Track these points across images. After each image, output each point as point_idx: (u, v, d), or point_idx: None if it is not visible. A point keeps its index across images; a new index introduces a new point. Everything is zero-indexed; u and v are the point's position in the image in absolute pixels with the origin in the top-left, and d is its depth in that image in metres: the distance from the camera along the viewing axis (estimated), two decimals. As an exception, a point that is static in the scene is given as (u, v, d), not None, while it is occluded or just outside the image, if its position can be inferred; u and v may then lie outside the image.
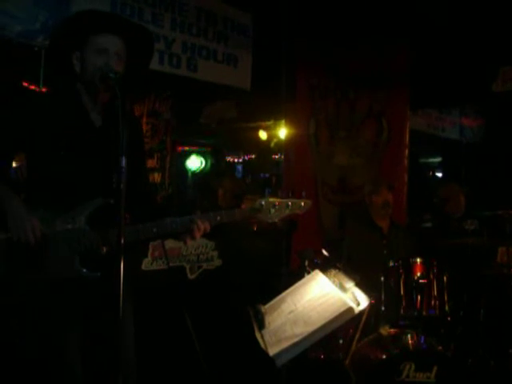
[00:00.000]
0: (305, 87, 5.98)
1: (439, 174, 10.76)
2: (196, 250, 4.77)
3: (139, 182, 2.64)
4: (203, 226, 2.48)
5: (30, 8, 3.83)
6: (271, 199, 2.60)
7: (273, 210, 2.59)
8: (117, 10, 4.26)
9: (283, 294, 3.14)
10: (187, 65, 4.83)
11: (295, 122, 6.13)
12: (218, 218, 2.53)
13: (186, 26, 4.81)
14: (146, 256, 4.48)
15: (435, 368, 3.46)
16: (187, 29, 4.83)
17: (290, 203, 2.62)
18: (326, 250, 4.05)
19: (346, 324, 3.61)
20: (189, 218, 2.50)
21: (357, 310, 2.55)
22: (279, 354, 2.48)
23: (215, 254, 4.87)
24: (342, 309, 2.55)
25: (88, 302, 2.45)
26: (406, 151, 5.91)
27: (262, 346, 2.62)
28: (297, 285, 3.17)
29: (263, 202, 2.58)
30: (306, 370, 3.69)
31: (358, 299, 2.64)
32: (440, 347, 3.62)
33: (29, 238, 2.25)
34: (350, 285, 2.81)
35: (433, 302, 3.83)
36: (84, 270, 2.35)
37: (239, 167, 11.53)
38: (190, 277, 4.74)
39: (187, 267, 4.72)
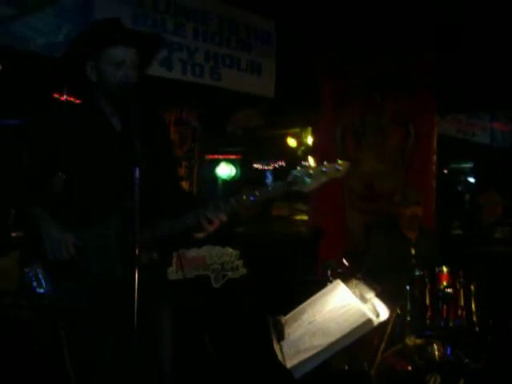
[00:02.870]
0: (330, 94, 5.93)
1: (471, 180, 10.60)
2: (220, 258, 4.77)
3: (170, 182, 2.65)
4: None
5: (52, 21, 3.86)
6: (304, 168, 2.41)
7: (308, 180, 2.40)
8: (138, 21, 4.28)
9: (304, 304, 3.11)
10: (210, 74, 4.82)
11: (321, 129, 6.10)
12: (253, 197, 2.40)
13: (208, 35, 4.81)
14: (171, 265, 4.48)
15: (462, 380, 3.38)
16: (210, 38, 4.83)
17: (324, 169, 2.41)
18: (346, 260, 4.01)
19: (371, 334, 3.58)
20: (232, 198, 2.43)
21: (376, 321, 2.51)
22: (297, 366, 2.46)
23: (240, 262, 4.86)
24: (361, 320, 2.51)
25: (124, 306, 2.46)
26: (434, 157, 5.81)
27: (280, 358, 2.59)
28: (318, 295, 3.14)
29: (296, 173, 2.40)
30: (330, 380, 3.63)
31: (377, 310, 2.59)
32: (467, 359, 3.53)
33: (63, 257, 2.35)
34: (370, 295, 2.77)
35: (459, 312, 3.73)
36: (121, 272, 2.37)
37: (269, 174, 11.55)
38: (215, 285, 4.74)
39: (212, 276, 4.72)
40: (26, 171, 2.55)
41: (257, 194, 2.39)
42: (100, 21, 2.58)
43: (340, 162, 2.44)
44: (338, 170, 2.43)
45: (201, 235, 2.45)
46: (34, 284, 2.38)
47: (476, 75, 5.78)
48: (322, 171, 2.40)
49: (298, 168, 2.41)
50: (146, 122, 2.51)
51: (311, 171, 2.40)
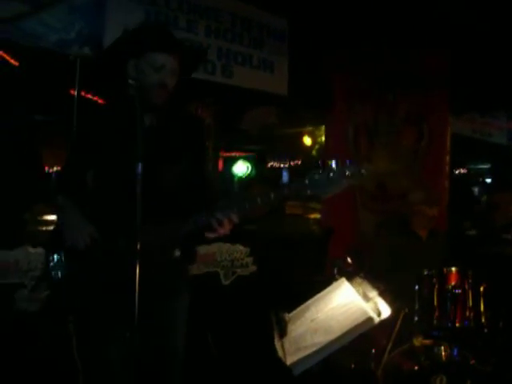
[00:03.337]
0: (342, 92, 5.93)
1: (489, 181, 10.51)
2: (230, 255, 4.79)
3: (196, 183, 2.66)
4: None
5: (65, 18, 3.91)
6: (325, 171, 2.23)
7: (329, 184, 2.25)
8: (151, 18, 4.31)
9: (308, 302, 3.11)
10: (222, 71, 4.84)
11: (334, 128, 6.10)
12: (268, 199, 2.33)
13: (220, 32, 4.83)
14: (193, 263, 4.48)
15: (468, 382, 3.36)
16: (222, 35, 4.85)
17: (347, 172, 2.22)
18: (350, 258, 3.99)
19: (378, 333, 3.58)
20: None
21: (377, 320, 2.50)
22: (296, 363, 2.46)
23: (250, 259, 4.87)
24: (362, 318, 2.51)
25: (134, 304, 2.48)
26: (447, 157, 5.77)
27: (281, 354, 2.59)
28: (322, 293, 3.14)
29: (316, 176, 2.26)
30: (336, 379, 3.63)
31: (379, 309, 2.58)
32: (474, 360, 3.50)
33: (79, 245, 2.41)
34: (373, 294, 2.75)
35: (467, 313, 3.70)
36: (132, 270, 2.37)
37: (285, 172, 11.54)
38: (224, 282, 4.75)
39: (221, 273, 4.74)
40: (64, 166, 2.70)
41: (271, 196, 2.33)
42: (150, 24, 2.65)
43: (365, 165, 2.28)
44: (362, 175, 2.27)
45: (211, 235, 2.44)
46: (55, 269, 2.46)
47: (492, 73, 5.71)
48: (345, 176, 2.25)
49: (319, 170, 2.26)
50: (178, 121, 2.62)
51: (332, 174, 2.25)
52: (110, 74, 2.75)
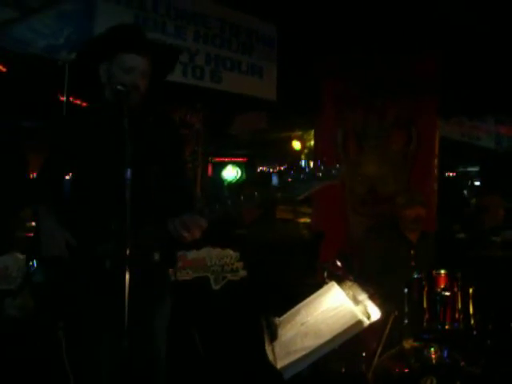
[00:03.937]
0: (331, 97, 5.94)
1: (478, 183, 10.57)
2: (220, 260, 4.77)
3: (172, 183, 2.66)
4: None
5: (54, 23, 3.91)
6: (296, 173, 2.22)
7: (300, 186, 2.23)
8: (139, 23, 4.32)
9: (298, 305, 3.12)
10: (211, 76, 4.85)
11: (323, 133, 6.11)
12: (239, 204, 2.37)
13: (209, 37, 4.85)
14: (173, 266, 4.47)
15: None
16: (211, 40, 4.86)
17: (319, 173, 2.21)
18: (340, 262, 4.00)
19: (369, 337, 3.59)
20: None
21: (366, 323, 2.51)
22: (287, 367, 2.46)
23: (240, 264, 4.86)
24: (352, 322, 2.51)
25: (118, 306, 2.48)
26: (436, 161, 5.80)
27: (271, 358, 2.59)
28: (312, 296, 3.15)
29: (287, 178, 2.24)
30: (327, 382, 3.63)
31: (368, 312, 2.59)
32: (463, 362, 3.52)
33: (54, 253, 2.43)
34: (362, 297, 2.76)
35: (457, 316, 3.73)
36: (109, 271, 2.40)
37: (274, 177, 11.54)
38: (215, 287, 4.74)
39: (211, 278, 4.72)
40: (40, 171, 2.67)
41: (242, 200, 2.35)
42: (119, 25, 2.63)
43: (337, 166, 2.25)
44: (334, 176, 2.25)
45: (184, 239, 2.42)
46: (35, 275, 2.48)
47: (480, 77, 5.74)
48: (316, 177, 2.23)
49: (290, 173, 2.25)
50: (153, 123, 2.61)
51: (303, 176, 2.23)
52: (85, 78, 2.75)
